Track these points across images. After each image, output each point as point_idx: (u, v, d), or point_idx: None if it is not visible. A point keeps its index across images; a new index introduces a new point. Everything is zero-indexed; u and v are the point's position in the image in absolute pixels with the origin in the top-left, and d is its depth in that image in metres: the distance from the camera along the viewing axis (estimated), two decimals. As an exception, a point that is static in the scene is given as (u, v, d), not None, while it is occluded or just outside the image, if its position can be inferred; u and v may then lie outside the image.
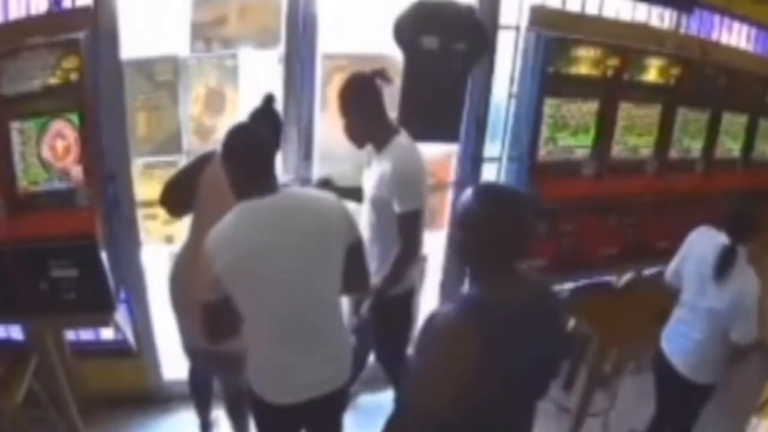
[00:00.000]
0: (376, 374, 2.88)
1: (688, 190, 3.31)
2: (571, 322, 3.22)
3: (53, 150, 2.28)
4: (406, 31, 2.62)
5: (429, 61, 2.68)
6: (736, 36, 3.61)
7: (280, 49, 2.69)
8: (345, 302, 2.57)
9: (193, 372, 2.68)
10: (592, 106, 3.00)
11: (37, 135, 2.26)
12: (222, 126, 2.61)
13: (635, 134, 3.17)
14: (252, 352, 1.87)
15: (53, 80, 2.20)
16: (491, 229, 1.44)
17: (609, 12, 3.17)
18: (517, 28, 2.99)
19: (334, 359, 1.92)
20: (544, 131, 2.92)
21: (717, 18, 3.50)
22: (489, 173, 3.21)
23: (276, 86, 2.67)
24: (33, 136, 2.26)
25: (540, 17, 2.84)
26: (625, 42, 2.97)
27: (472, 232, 1.46)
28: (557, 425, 3.09)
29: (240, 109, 2.66)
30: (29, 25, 2.28)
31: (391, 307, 2.42)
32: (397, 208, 2.26)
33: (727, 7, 3.46)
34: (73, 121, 2.25)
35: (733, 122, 3.49)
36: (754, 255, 2.42)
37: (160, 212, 2.57)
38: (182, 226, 2.49)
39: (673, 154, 3.31)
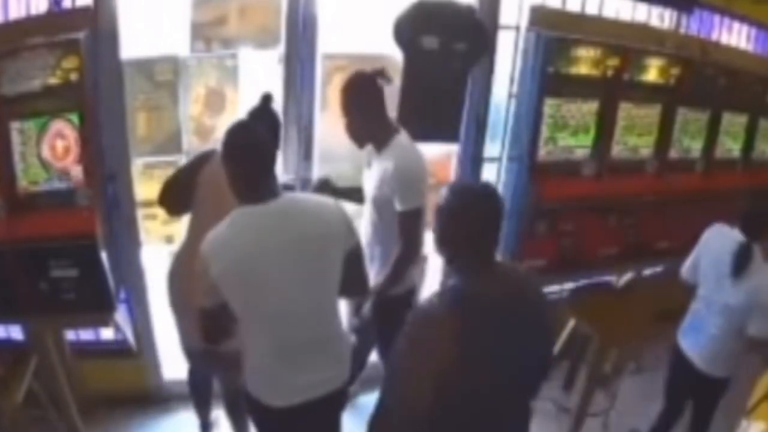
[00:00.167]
0: (376, 374, 2.87)
1: (688, 190, 3.30)
2: (571, 322, 3.22)
3: (53, 150, 2.28)
4: (406, 31, 2.62)
5: (429, 61, 2.68)
6: (736, 36, 3.62)
7: (280, 49, 2.69)
8: (345, 303, 2.58)
9: (193, 372, 2.68)
10: (592, 106, 3.00)
11: (37, 135, 2.25)
12: (222, 126, 2.59)
13: (635, 134, 3.16)
14: (248, 355, 1.86)
15: (53, 80, 2.20)
16: (461, 218, 1.54)
17: (609, 12, 3.17)
18: (517, 28, 2.99)
19: (332, 361, 1.91)
20: (544, 131, 2.91)
21: (717, 18, 3.50)
22: (489, 173, 3.21)
23: (276, 86, 2.67)
24: (33, 136, 2.25)
25: (540, 17, 2.84)
26: (625, 42, 2.96)
27: (443, 221, 1.57)
28: (557, 425, 3.09)
29: (240, 109, 2.66)
30: (29, 25, 2.28)
31: (392, 307, 2.40)
32: (398, 206, 2.26)
33: (727, 7, 3.46)
34: (73, 121, 2.25)
35: (733, 122, 3.49)
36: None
37: (160, 212, 2.57)
38: (182, 226, 2.49)
39: (673, 154, 3.31)
